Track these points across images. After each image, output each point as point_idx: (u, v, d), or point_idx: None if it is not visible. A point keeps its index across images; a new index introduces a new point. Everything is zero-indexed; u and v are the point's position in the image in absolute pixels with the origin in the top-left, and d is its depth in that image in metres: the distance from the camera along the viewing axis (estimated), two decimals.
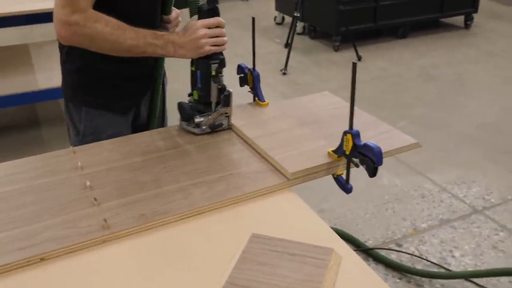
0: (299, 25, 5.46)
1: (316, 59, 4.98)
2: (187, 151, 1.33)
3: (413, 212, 2.70)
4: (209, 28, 1.34)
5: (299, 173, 1.21)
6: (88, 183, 1.16)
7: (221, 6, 1.40)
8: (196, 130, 1.41)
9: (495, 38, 5.52)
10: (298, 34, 5.50)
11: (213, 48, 1.35)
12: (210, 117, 1.40)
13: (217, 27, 1.36)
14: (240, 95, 1.69)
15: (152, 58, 1.52)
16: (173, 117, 1.92)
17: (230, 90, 1.40)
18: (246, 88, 1.59)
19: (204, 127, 1.40)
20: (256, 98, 1.57)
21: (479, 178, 2.99)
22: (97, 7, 1.32)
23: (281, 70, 4.60)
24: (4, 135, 3.56)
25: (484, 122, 3.67)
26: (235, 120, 1.45)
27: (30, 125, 3.72)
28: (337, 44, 5.14)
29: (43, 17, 2.89)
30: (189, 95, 1.46)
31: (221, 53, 1.39)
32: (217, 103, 1.41)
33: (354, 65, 1.08)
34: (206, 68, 1.38)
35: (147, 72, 1.57)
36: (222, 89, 1.39)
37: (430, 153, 3.21)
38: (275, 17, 6.12)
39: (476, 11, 5.81)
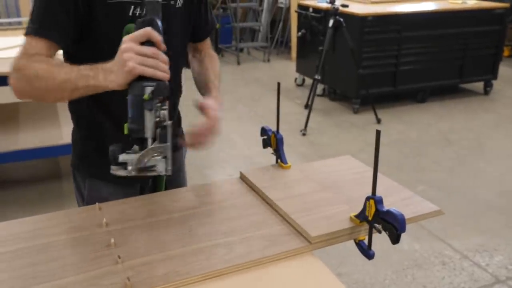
0: (319, 87, 5.57)
1: (335, 121, 5.03)
2: (210, 212, 1.34)
3: (433, 279, 2.64)
4: (139, 43, 1.10)
5: (321, 237, 1.21)
6: (112, 240, 1.17)
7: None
8: (121, 173, 1.11)
9: None
10: (318, 95, 5.60)
11: (140, 68, 1.08)
12: (139, 155, 1.09)
13: (149, 42, 1.10)
14: (263, 156, 1.72)
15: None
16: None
17: (169, 122, 1.10)
18: (269, 149, 1.62)
19: (130, 167, 1.10)
20: (279, 160, 1.59)
21: (501, 247, 2.93)
22: None
23: (301, 131, 4.66)
24: (27, 186, 3.62)
25: (506, 189, 3.63)
26: (258, 182, 1.46)
27: (52, 178, 3.78)
28: (356, 106, 5.21)
29: None
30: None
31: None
32: (154, 140, 1.11)
33: (378, 133, 1.11)
34: (137, 91, 1.07)
35: None
36: (160, 122, 1.09)
37: (450, 219, 3.17)
38: (296, 78, 6.25)
39: (495, 77, 5.88)
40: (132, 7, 1.35)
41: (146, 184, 1.58)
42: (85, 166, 1.53)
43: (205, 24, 1.63)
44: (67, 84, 1.20)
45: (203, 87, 1.57)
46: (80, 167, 1.55)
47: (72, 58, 1.41)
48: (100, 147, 1.42)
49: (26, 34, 1.31)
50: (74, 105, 1.52)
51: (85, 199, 1.53)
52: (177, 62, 1.51)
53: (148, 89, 1.07)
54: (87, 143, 1.49)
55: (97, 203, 1.36)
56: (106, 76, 1.14)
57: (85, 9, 1.31)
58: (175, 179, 1.69)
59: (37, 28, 1.30)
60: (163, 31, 1.14)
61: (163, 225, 1.27)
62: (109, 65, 1.15)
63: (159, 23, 1.12)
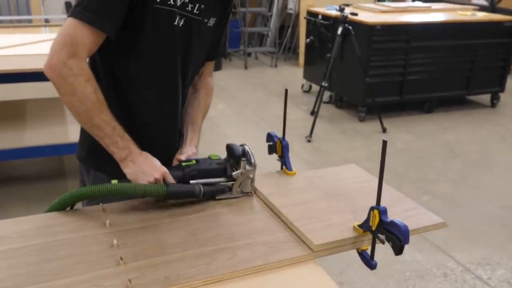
0: (326, 94, 5.56)
1: (341, 128, 5.03)
2: (213, 216, 1.35)
3: None
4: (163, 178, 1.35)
5: (324, 246, 1.21)
6: (115, 242, 1.17)
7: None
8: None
9: None
10: (325, 102, 5.60)
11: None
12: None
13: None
14: (268, 162, 1.72)
15: (170, 134, 1.56)
16: None
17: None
18: (274, 156, 1.62)
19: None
20: (284, 167, 1.59)
21: (504, 260, 2.92)
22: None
23: (306, 137, 4.65)
24: (32, 184, 3.63)
25: (510, 203, 3.61)
26: (262, 188, 1.46)
27: (57, 176, 3.79)
28: (362, 114, 5.20)
29: None
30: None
31: None
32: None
33: (384, 143, 1.10)
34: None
35: (162, 146, 1.54)
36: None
37: (453, 231, 3.16)
38: (303, 85, 6.25)
39: (502, 90, 5.86)
40: (178, 17, 1.40)
41: None
42: (93, 159, 1.53)
43: (217, 46, 1.64)
44: (96, 130, 1.33)
45: (186, 124, 1.60)
46: (87, 160, 1.55)
47: (105, 53, 1.41)
48: None
49: (75, 18, 1.25)
50: None
51: None
52: (194, 72, 1.59)
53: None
54: None
55: (101, 204, 1.36)
56: (127, 160, 1.35)
57: (139, 8, 1.32)
58: None
59: (93, 17, 1.25)
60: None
61: (167, 228, 1.27)
62: (137, 156, 1.36)
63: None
